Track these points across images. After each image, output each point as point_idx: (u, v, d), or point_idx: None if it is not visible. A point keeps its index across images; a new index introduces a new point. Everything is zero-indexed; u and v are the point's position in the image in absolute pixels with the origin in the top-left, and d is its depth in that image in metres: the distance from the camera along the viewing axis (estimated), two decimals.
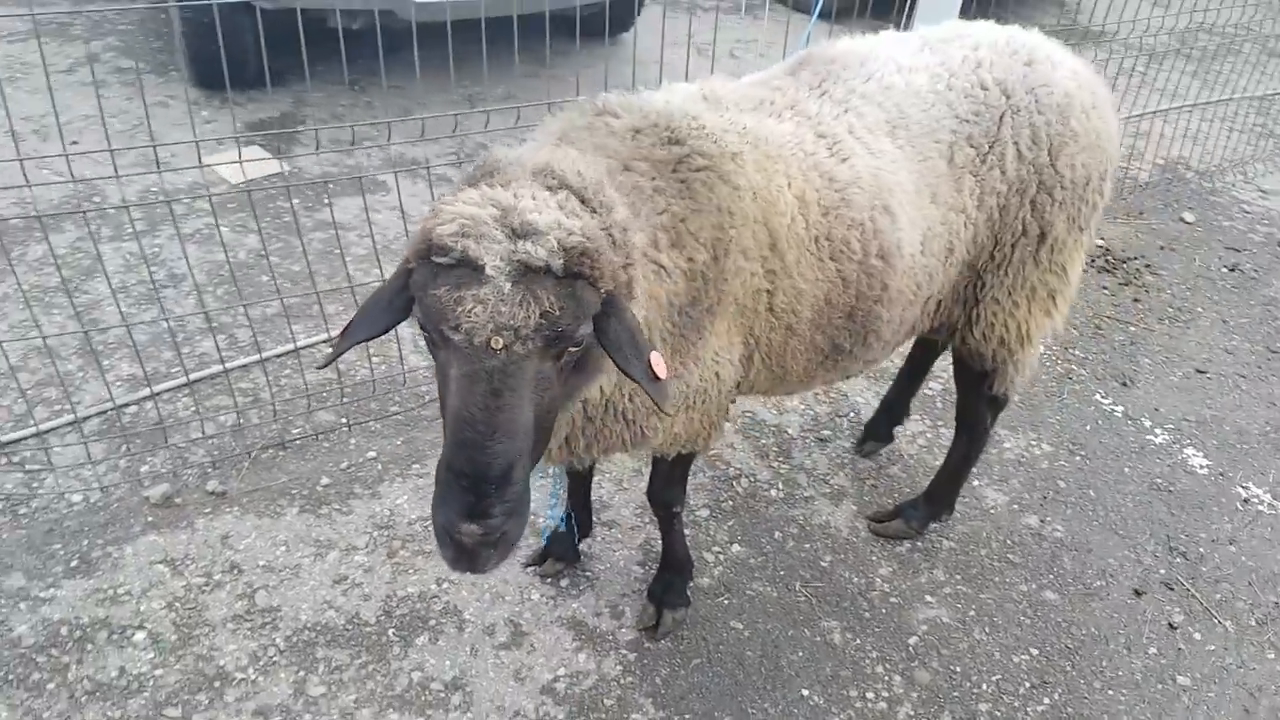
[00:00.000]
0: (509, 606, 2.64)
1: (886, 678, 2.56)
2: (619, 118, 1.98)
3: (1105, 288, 4.36)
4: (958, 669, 2.60)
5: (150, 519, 2.77)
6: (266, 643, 2.48)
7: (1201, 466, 3.39)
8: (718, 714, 2.42)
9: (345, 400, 3.19)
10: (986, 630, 2.72)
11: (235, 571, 2.65)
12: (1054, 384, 3.72)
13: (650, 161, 1.91)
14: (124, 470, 2.91)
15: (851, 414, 3.46)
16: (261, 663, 2.43)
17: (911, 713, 2.48)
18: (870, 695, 2.51)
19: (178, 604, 2.55)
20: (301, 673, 2.42)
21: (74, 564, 2.62)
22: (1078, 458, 3.38)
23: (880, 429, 3.28)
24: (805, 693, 2.50)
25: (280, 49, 3.60)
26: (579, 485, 2.70)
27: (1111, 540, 3.06)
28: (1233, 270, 4.61)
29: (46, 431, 2.95)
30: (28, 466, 2.85)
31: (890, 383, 3.30)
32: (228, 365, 3.17)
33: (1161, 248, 4.74)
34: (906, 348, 3.13)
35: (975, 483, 3.22)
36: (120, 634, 2.46)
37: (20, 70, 5.24)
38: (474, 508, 1.52)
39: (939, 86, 2.30)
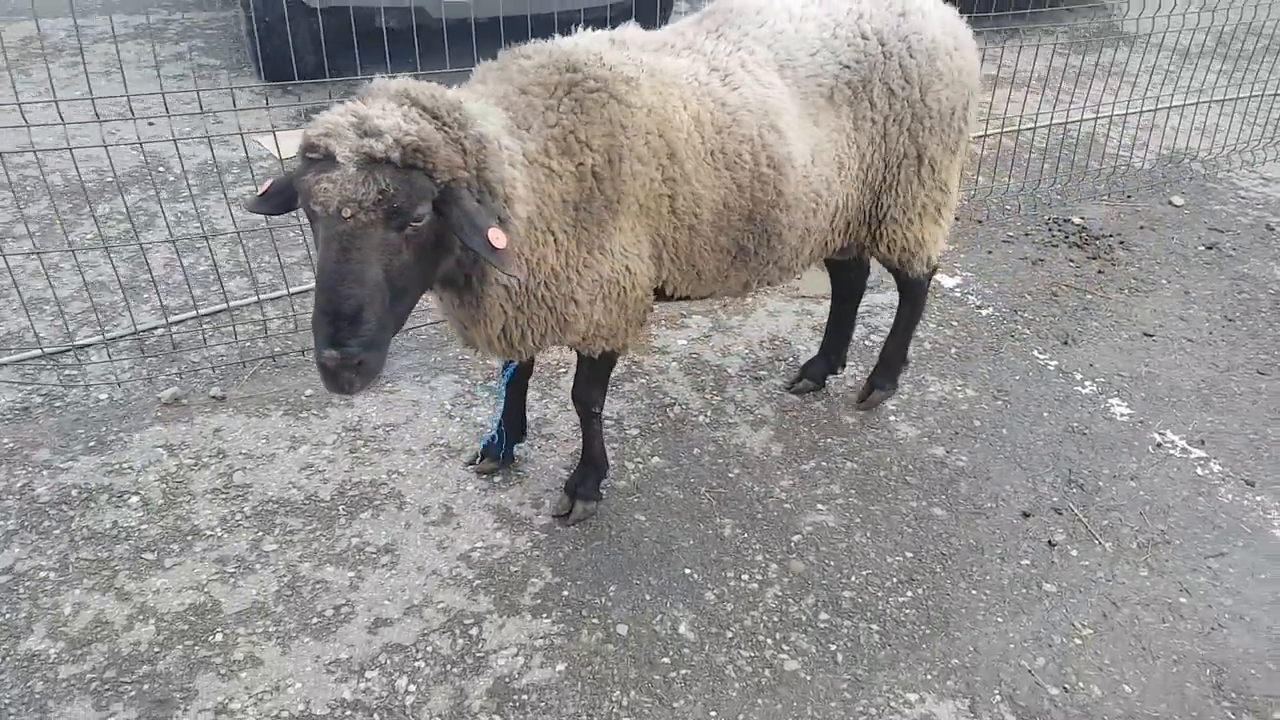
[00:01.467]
0: (445, 494, 3.06)
1: (764, 565, 2.88)
2: (530, 58, 2.42)
3: (1071, 260, 4.57)
4: (831, 563, 2.91)
5: (159, 414, 3.30)
6: (235, 510, 2.96)
7: (1122, 415, 3.59)
8: (605, 583, 2.79)
9: None
10: (868, 535, 3.01)
11: (220, 456, 3.14)
12: (994, 340, 3.96)
13: (545, 86, 2.34)
14: (145, 378, 3.45)
15: (790, 359, 3.78)
16: (229, 524, 2.90)
17: (779, 594, 2.79)
18: (745, 577, 2.84)
19: (169, 478, 3.05)
20: (260, 533, 2.88)
21: (91, 444, 3.16)
22: (1000, 402, 3.63)
23: (815, 370, 3.60)
24: (687, 571, 2.84)
25: (334, 45, 4.11)
26: (517, 397, 3.10)
27: (1013, 471, 3.31)
28: (1210, 249, 4.75)
29: (83, 346, 3.51)
30: (66, 371, 3.41)
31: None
32: (231, 304, 3.71)
33: (1141, 227, 4.91)
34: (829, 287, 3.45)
35: (891, 417, 3.50)
36: (118, 497, 2.97)
37: (114, 65, 5.98)
38: (333, 338, 1.95)
39: (825, 35, 2.68)
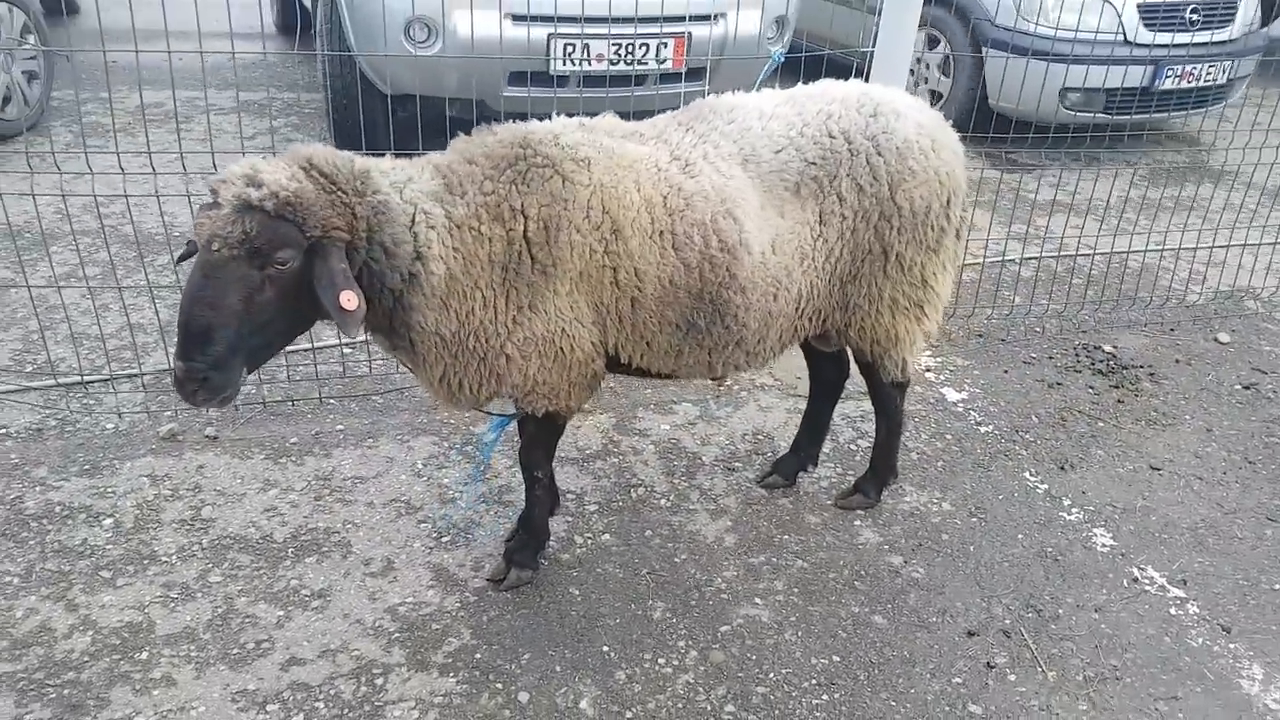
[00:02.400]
0: (391, 548, 3.17)
1: (684, 651, 2.87)
2: (494, 134, 2.62)
3: (1091, 388, 4.45)
4: (754, 657, 2.88)
5: (154, 447, 3.53)
6: (194, 541, 3.13)
7: (1104, 545, 3.46)
8: (520, 650, 2.83)
9: (343, 382, 3.89)
10: (799, 634, 2.97)
11: (196, 490, 3.34)
12: (986, 458, 3.89)
13: (492, 158, 2.54)
14: (150, 414, 3.71)
15: (770, 453, 3.79)
16: (184, 554, 3.08)
17: (691, 681, 2.78)
18: (661, 661, 2.84)
19: (144, 505, 3.26)
20: (210, 565, 3.04)
21: (86, 468, 3.40)
22: (975, 519, 3.55)
23: (786, 466, 3.61)
24: (605, 649, 2.86)
25: (403, 126, 4.42)
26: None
27: (969, 588, 3.22)
28: (1248, 389, 4.56)
29: (92, 381, 3.81)
30: (84, 400, 3.70)
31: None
32: None
33: (1177, 361, 4.75)
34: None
35: (855, 522, 3.46)
36: (94, 518, 3.19)
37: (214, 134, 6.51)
38: (182, 353, 2.18)
39: (791, 133, 2.80)
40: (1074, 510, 3.63)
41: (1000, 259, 5.41)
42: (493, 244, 2.48)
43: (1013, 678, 2.89)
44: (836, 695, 2.78)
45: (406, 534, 3.23)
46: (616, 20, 4.90)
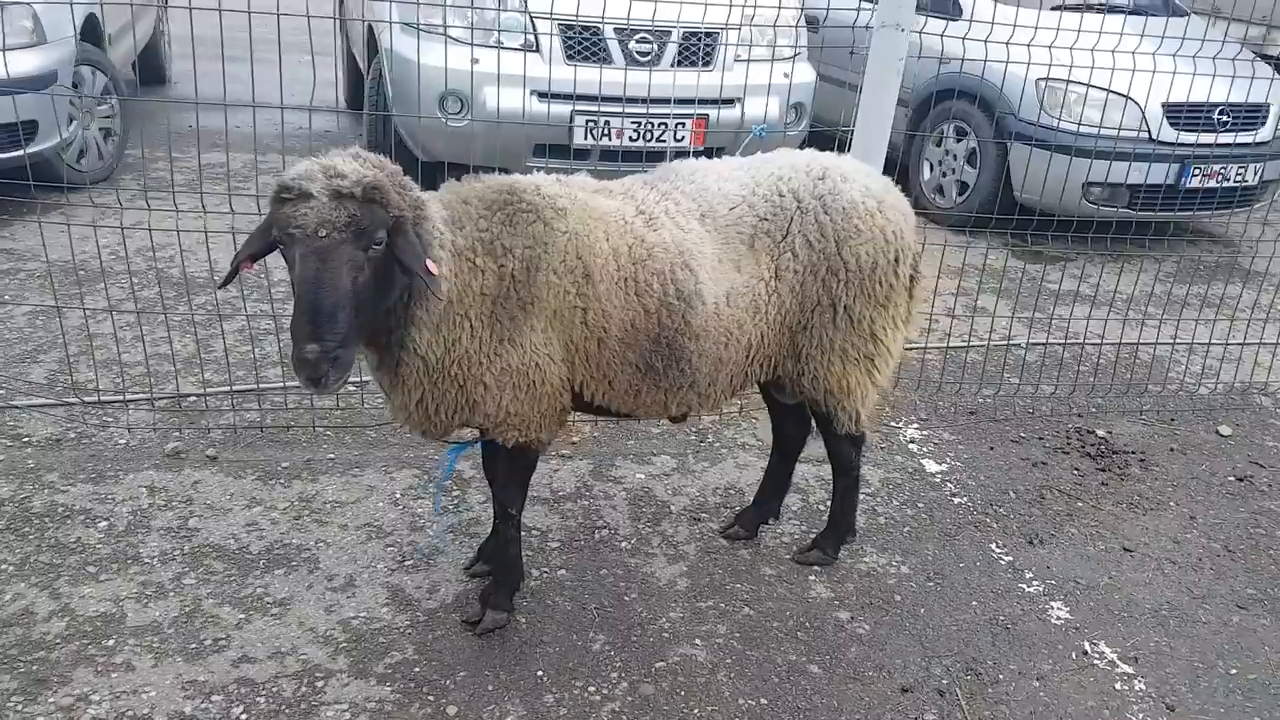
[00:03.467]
0: (356, 567, 3.36)
1: (615, 682, 2.98)
2: (482, 181, 2.87)
3: (1077, 469, 4.48)
4: (681, 694, 2.97)
5: (156, 462, 3.80)
6: (176, 547, 3.36)
7: (1059, 618, 3.48)
8: (457, 668, 2.97)
9: (341, 414, 4.14)
10: (730, 675, 3.06)
11: (187, 503, 3.58)
12: (954, 528, 3.94)
13: (483, 200, 2.78)
14: (158, 432, 3.99)
15: (738, 507, 3.90)
16: (165, 558, 3.30)
17: (616, 709, 2.88)
18: (592, 689, 2.94)
19: (138, 513, 3.51)
20: (186, 569, 3.26)
21: (93, 476, 3.68)
22: (931, 584, 3.60)
23: (749, 519, 3.72)
24: (539, 673, 2.98)
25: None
26: None
27: (911, 647, 3.27)
28: (1241, 480, 4.53)
29: (108, 403, 4.12)
30: (100, 418, 4.01)
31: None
32: (261, 385, 4.25)
33: (1172, 449, 4.75)
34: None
35: (810, 577, 3.55)
36: (91, 520, 3.44)
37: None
38: (313, 334, 2.32)
39: (744, 192, 3.01)
40: (1035, 583, 3.65)
41: (1005, 342, 5.47)
42: (485, 276, 2.69)
43: None
44: None
45: (372, 555, 3.42)
46: (635, 101, 5.23)
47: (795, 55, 6.21)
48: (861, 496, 4.01)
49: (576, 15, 5.10)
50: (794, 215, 2.99)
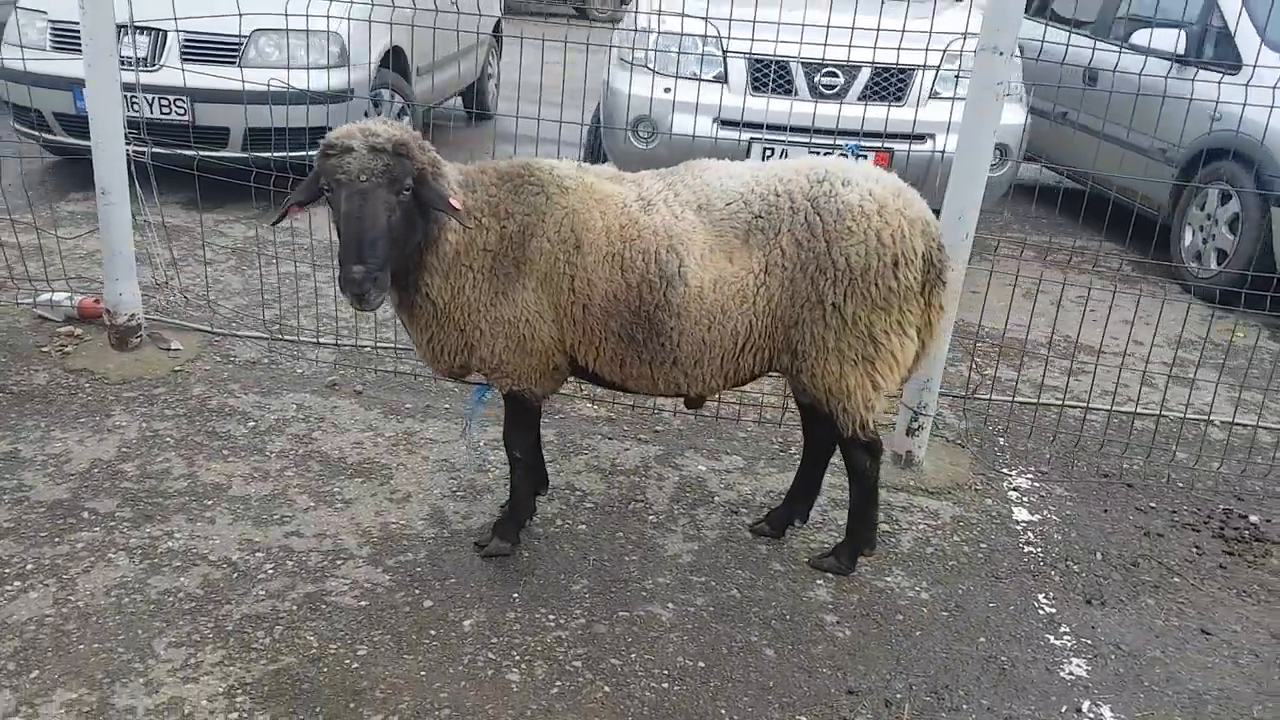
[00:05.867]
0: (418, 488, 3.92)
1: (576, 618, 3.27)
2: (510, 160, 3.38)
3: (1198, 547, 4.06)
4: (629, 639, 3.20)
5: (314, 389, 4.63)
6: (292, 449, 4.12)
7: (1071, 674, 3.27)
8: (449, 575, 3.41)
9: None
10: (683, 637, 3.23)
11: (320, 420, 4.36)
12: (1007, 573, 3.76)
13: (498, 171, 3.29)
14: (329, 367, 4.84)
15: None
16: (281, 454, 4.07)
17: (562, 636, 3.17)
18: (551, 619, 3.25)
19: (280, 420, 4.33)
20: (290, 464, 4.00)
21: (262, 390, 4.57)
22: (944, 614, 3.51)
23: (777, 518, 3.85)
24: (514, 595, 3.35)
25: None
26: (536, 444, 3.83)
27: (884, 659, 3.25)
28: None
29: (307, 341, 5.04)
30: (292, 353, 4.95)
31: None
32: None
33: None
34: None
35: (818, 581, 3.60)
36: (243, 419, 4.31)
37: None
38: (359, 257, 2.90)
39: (743, 190, 3.26)
40: (1066, 637, 3.44)
41: (1187, 415, 4.99)
42: (488, 234, 3.19)
43: None
44: (676, 687, 3.03)
45: (435, 483, 3.97)
46: (818, 132, 5.47)
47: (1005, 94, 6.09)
48: (924, 528, 3.99)
49: (773, 53, 5.49)
50: (786, 214, 3.16)
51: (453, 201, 3.03)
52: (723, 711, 2.96)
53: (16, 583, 3.19)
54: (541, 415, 3.63)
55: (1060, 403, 5.04)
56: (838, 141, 4.44)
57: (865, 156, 4.36)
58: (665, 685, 3.03)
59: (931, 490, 4.29)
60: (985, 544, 3.94)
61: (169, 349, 4.85)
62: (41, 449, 3.94)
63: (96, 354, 4.73)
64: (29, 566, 3.27)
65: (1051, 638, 3.43)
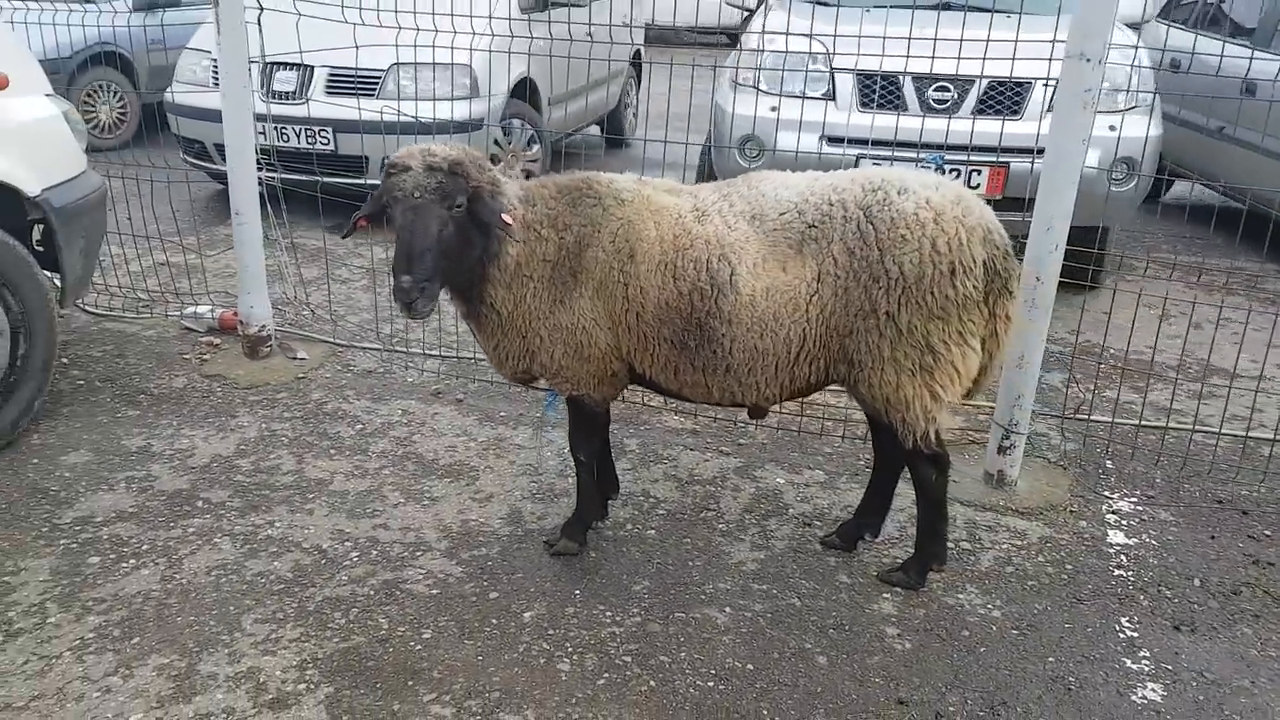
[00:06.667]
0: (501, 489, 4.11)
1: (632, 615, 3.36)
2: (573, 174, 3.54)
3: None
4: (681, 639, 3.26)
5: (420, 396, 4.93)
6: (392, 449, 4.40)
7: (1144, 699, 3.14)
8: (518, 569, 3.58)
9: None
10: (735, 641, 3.27)
11: (421, 425, 4.63)
12: (1088, 594, 3.63)
13: (558, 186, 3.47)
14: (437, 377, 5.13)
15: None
16: (381, 455, 4.36)
17: (616, 632, 3.27)
18: (608, 616, 3.36)
19: (385, 424, 4.62)
20: (388, 464, 4.27)
21: (373, 397, 4.89)
22: (1014, 632, 3.41)
23: (848, 532, 3.83)
24: (576, 592, 3.48)
25: None
26: (603, 452, 3.98)
27: (941, 672, 3.19)
28: None
29: (418, 354, 5.34)
30: (405, 364, 5.27)
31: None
32: None
33: None
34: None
35: (884, 594, 3.56)
36: (352, 422, 4.63)
37: None
38: (408, 268, 3.15)
39: (798, 200, 3.32)
40: (1145, 662, 3.30)
41: None
42: (547, 245, 3.36)
43: None
44: (721, 687, 3.08)
45: (517, 485, 4.16)
46: (927, 148, 5.43)
47: (1130, 107, 5.87)
48: (1007, 548, 3.90)
49: (879, 68, 5.51)
50: (839, 223, 3.19)
51: (504, 217, 3.19)
52: (765, 713, 2.99)
53: (131, 560, 3.55)
54: (610, 421, 3.76)
55: (1163, 424, 4.78)
56: (920, 155, 4.38)
57: (952, 170, 4.29)
58: (710, 684, 3.09)
59: (1022, 510, 4.16)
60: (1071, 565, 3.80)
61: (295, 358, 5.25)
62: (171, 444, 4.35)
63: (230, 361, 5.18)
64: (144, 547, 3.63)
65: (1129, 661, 3.29)
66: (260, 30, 4.94)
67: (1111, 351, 5.57)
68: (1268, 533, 4.09)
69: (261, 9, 4.95)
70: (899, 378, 3.22)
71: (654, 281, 3.27)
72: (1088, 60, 3.71)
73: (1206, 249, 7.38)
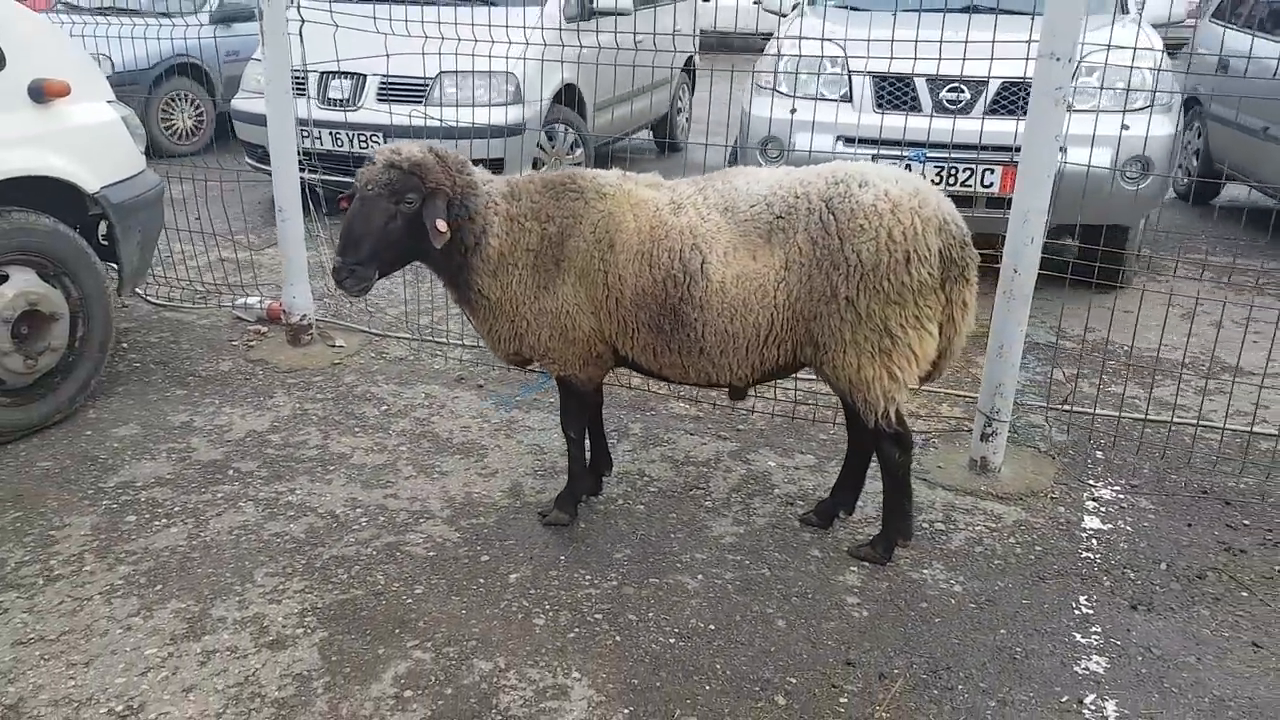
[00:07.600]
0: (506, 466, 4.43)
1: (609, 579, 3.64)
2: (558, 171, 3.85)
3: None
4: (650, 601, 3.52)
5: (444, 381, 5.28)
6: (411, 428, 4.75)
7: (1086, 670, 3.29)
8: (510, 537, 3.88)
9: None
10: (702, 604, 3.52)
11: (441, 406, 4.98)
12: (1052, 574, 3.78)
13: (544, 180, 3.77)
14: (462, 363, 5.48)
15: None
16: (399, 432, 4.71)
17: (592, 593, 3.55)
18: (588, 579, 3.64)
19: (406, 405, 4.98)
20: (405, 441, 4.62)
21: (400, 381, 5.26)
22: (971, 605, 3.60)
23: (824, 509, 4.05)
24: (561, 558, 3.77)
25: None
26: (594, 430, 4.29)
27: (893, 639, 3.38)
28: None
29: (440, 342, 5.70)
30: (433, 352, 5.63)
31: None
32: None
33: None
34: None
35: (851, 568, 3.77)
36: (376, 403, 5.00)
37: None
38: (341, 251, 3.52)
39: (766, 192, 3.56)
40: (1095, 637, 3.45)
41: None
42: (530, 235, 3.66)
43: (844, 701, 3.11)
44: (681, 644, 3.33)
45: (522, 463, 4.47)
46: (936, 146, 5.60)
47: (1147, 105, 5.94)
48: (980, 529, 4.08)
49: (888, 70, 5.69)
50: (804, 214, 3.42)
51: (438, 224, 3.43)
52: (718, 667, 3.23)
53: (164, 519, 3.95)
54: (601, 402, 4.05)
55: (1155, 418, 4.86)
56: (904, 153, 4.56)
57: (923, 160, 4.46)
58: (672, 641, 3.34)
59: (1002, 495, 4.32)
60: (1040, 547, 3.95)
61: (334, 345, 5.66)
62: (211, 420, 4.77)
63: (274, 348, 5.61)
64: (176, 509, 4.03)
65: (1079, 635, 3.44)
66: (301, 40, 5.33)
67: (1123, 348, 5.65)
68: (1246, 522, 4.17)
69: (303, 21, 5.36)
70: (859, 359, 3.43)
71: (632, 269, 3.54)
72: (1058, 59, 3.86)
73: (1251, 252, 7.33)
